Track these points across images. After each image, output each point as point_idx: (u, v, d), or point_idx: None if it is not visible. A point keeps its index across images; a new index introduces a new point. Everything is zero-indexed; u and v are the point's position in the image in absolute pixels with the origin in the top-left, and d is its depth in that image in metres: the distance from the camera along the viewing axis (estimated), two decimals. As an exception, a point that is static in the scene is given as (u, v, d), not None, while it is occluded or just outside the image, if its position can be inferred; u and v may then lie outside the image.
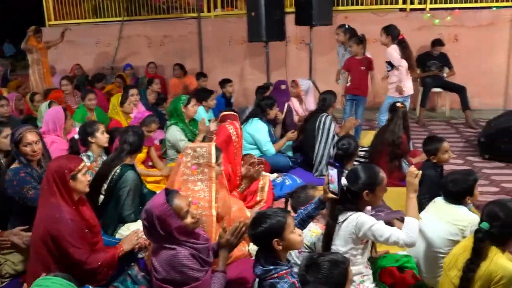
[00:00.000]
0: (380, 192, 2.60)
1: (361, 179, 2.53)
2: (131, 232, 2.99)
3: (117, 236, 3.24)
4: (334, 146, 4.53)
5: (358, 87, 5.92)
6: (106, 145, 3.98)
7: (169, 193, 2.40)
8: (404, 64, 5.45)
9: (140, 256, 2.90)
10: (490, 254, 2.32)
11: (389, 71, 5.62)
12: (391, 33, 5.43)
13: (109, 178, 3.34)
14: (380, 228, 2.46)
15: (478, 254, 2.32)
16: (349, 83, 5.99)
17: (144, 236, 2.77)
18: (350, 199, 2.54)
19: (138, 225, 3.17)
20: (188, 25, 8.60)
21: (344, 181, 2.52)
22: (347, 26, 6.23)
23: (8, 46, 16.42)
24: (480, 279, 2.31)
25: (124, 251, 2.82)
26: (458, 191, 2.86)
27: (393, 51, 5.42)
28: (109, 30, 9.00)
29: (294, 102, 6.06)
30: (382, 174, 2.60)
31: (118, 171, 3.34)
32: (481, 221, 2.38)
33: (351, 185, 2.52)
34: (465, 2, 7.88)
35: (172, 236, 2.34)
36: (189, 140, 4.72)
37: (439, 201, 2.95)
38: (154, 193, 3.91)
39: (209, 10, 8.62)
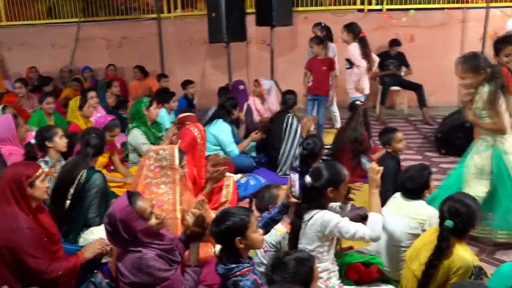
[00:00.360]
0: (343, 189, 2.65)
1: (325, 176, 2.56)
2: (95, 239, 2.91)
3: (81, 240, 3.16)
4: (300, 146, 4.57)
5: (319, 87, 6.01)
6: (65, 149, 3.86)
7: (131, 195, 2.37)
8: (363, 64, 5.55)
9: (104, 261, 2.83)
10: (455, 247, 2.41)
11: (348, 68, 5.69)
12: (352, 30, 5.53)
13: (76, 182, 3.25)
14: (346, 225, 2.50)
15: (441, 252, 2.39)
16: (310, 83, 6.06)
17: (107, 243, 2.71)
18: (314, 197, 2.57)
19: (102, 229, 3.11)
20: (148, 26, 8.47)
21: (308, 179, 2.55)
22: (323, 24, 6.26)
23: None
24: (440, 270, 2.39)
25: (86, 259, 2.74)
26: (415, 187, 2.95)
27: (354, 49, 5.51)
28: (65, 32, 8.73)
29: (256, 102, 6.08)
30: (345, 171, 2.65)
31: (84, 174, 3.27)
32: (442, 218, 2.46)
33: (315, 183, 2.55)
34: (419, 3, 8.12)
35: (136, 238, 2.31)
36: (152, 143, 4.64)
37: (398, 197, 3.02)
38: (113, 193, 3.86)
39: (169, 11, 8.52)
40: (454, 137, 5.65)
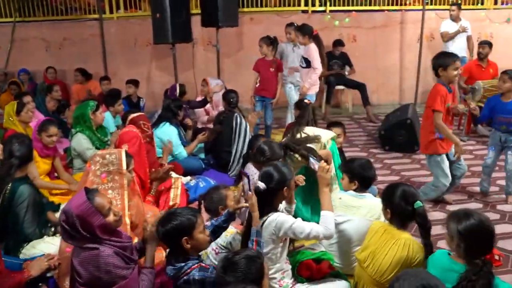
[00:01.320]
0: (293, 185, 2.71)
1: (276, 177, 2.58)
2: (42, 256, 2.74)
3: (21, 256, 2.99)
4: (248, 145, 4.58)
5: (266, 89, 6.06)
6: (1, 157, 3.65)
7: (89, 191, 2.32)
8: (320, 67, 5.60)
9: (49, 275, 2.70)
10: (403, 240, 2.47)
11: (303, 67, 5.69)
12: (306, 31, 5.54)
13: (1, 197, 3.03)
14: (300, 226, 2.53)
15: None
16: (258, 84, 6.10)
17: (55, 259, 2.61)
18: (268, 201, 2.58)
19: (44, 244, 2.98)
20: (90, 27, 8.19)
21: (261, 184, 2.55)
22: (295, 24, 6.26)
23: None
24: (402, 264, 2.45)
25: (32, 277, 2.59)
26: (367, 175, 3.05)
27: (314, 51, 5.51)
28: (-1, 32, 8.28)
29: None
30: (290, 168, 2.70)
31: (9, 187, 3.04)
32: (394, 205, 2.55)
33: (269, 185, 2.56)
34: (361, 5, 8.39)
35: (94, 235, 2.25)
36: (97, 148, 4.48)
37: (345, 197, 3.05)
38: (52, 203, 3.69)
39: (111, 11, 8.28)
40: (397, 134, 5.89)
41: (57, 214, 3.51)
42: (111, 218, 2.32)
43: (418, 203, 2.48)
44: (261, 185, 2.55)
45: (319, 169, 2.71)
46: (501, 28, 8.43)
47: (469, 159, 5.56)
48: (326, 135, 3.75)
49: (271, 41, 6.02)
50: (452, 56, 3.88)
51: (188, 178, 4.54)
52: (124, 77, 7.36)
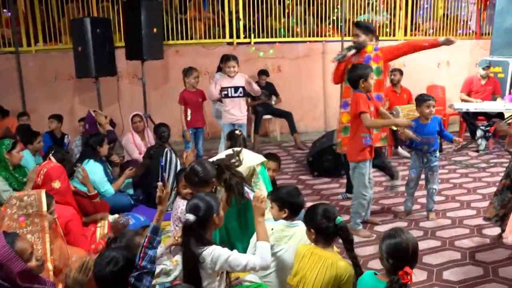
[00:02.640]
0: (222, 211, 2.68)
1: (204, 206, 2.55)
2: None
3: None
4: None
5: (198, 119, 6.10)
6: None
7: (8, 235, 2.16)
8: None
9: None
10: (330, 259, 2.52)
11: (239, 96, 5.87)
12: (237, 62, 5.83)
13: None
14: (236, 258, 2.51)
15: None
16: (189, 117, 6.09)
17: None
18: (201, 231, 2.54)
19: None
20: (5, 60, 7.75)
21: (190, 216, 2.50)
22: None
23: None
24: (333, 285, 2.48)
25: None
26: (296, 202, 3.06)
27: (253, 82, 5.85)
28: None
29: (136, 137, 5.91)
30: (216, 196, 2.71)
31: None
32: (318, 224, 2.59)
33: (198, 215, 2.52)
34: (284, 37, 8.70)
35: (14, 284, 2.07)
36: (15, 189, 4.18)
37: (276, 227, 3.02)
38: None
39: (29, 45, 7.92)
40: (324, 159, 6.08)
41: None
42: (33, 263, 2.18)
43: (339, 219, 2.55)
44: (191, 216, 2.50)
45: (254, 198, 2.71)
46: (411, 56, 9.08)
47: (392, 180, 5.84)
48: (256, 159, 3.77)
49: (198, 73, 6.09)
50: (369, 67, 4.27)
51: (116, 216, 4.36)
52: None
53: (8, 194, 4.02)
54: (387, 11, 9.37)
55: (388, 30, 9.25)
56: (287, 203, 3.04)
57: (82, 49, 6.18)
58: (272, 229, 2.99)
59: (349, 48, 4.79)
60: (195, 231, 2.50)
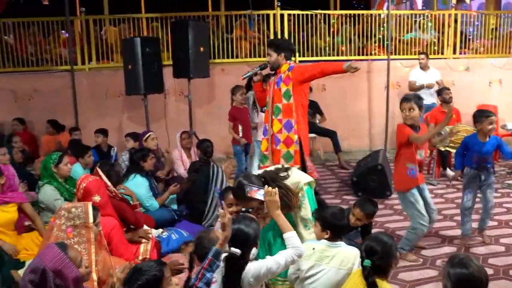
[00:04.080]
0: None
1: (251, 237, 2.52)
2: None
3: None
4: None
5: (247, 136, 6.23)
6: None
7: (58, 244, 2.23)
8: None
9: None
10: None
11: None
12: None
13: None
14: (273, 261, 2.52)
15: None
16: (241, 134, 6.16)
17: None
18: (242, 263, 2.51)
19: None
20: (60, 78, 8.17)
21: (236, 250, 2.47)
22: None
23: None
24: None
25: None
26: (340, 225, 2.99)
27: None
28: (-34, 84, 8.16)
29: (183, 154, 6.02)
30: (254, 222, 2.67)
31: None
32: (362, 258, 2.52)
33: (243, 249, 2.49)
34: (329, 55, 8.68)
35: None
36: (66, 199, 4.35)
37: (318, 247, 2.97)
38: (17, 261, 3.51)
39: (83, 63, 8.31)
40: (368, 180, 5.94)
41: (22, 271, 3.35)
42: (83, 270, 2.25)
43: (367, 261, 2.47)
44: (237, 251, 2.48)
45: (265, 194, 2.72)
46: (461, 75, 8.84)
47: (440, 203, 5.63)
48: (304, 178, 3.72)
49: (245, 90, 6.16)
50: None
51: (160, 230, 4.43)
52: (95, 128, 7.29)
53: (60, 203, 4.18)
54: (435, 29, 9.17)
55: (436, 48, 9.03)
56: (331, 224, 2.98)
57: (132, 67, 6.41)
58: (314, 248, 2.94)
59: (260, 67, 4.63)
60: (239, 262, 2.50)
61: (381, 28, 8.89)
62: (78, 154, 5.52)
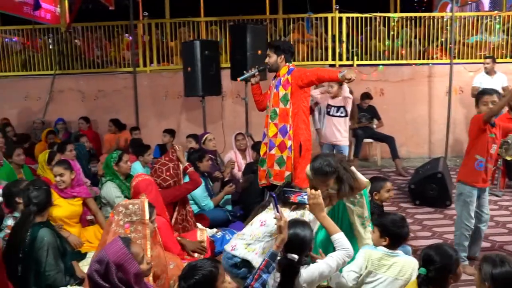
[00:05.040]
0: None
1: (305, 245, 2.54)
2: None
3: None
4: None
5: None
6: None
7: (122, 239, 2.30)
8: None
9: None
10: None
11: (341, 116, 5.77)
12: (339, 82, 5.62)
13: (23, 243, 3.06)
14: (325, 264, 2.53)
15: None
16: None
17: None
18: (298, 268, 2.53)
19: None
20: (123, 79, 8.53)
21: (294, 256, 2.49)
22: None
23: None
24: None
25: None
26: (399, 233, 2.88)
27: (352, 101, 5.67)
28: (39, 84, 8.71)
29: (238, 156, 6.09)
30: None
31: (29, 234, 3.08)
32: (420, 266, 2.45)
33: (301, 255, 2.51)
34: (388, 59, 8.47)
35: (127, 285, 2.18)
36: (126, 197, 4.52)
37: (375, 254, 2.89)
38: (79, 252, 3.68)
39: (144, 65, 8.63)
40: (427, 188, 5.73)
41: (82, 263, 3.52)
42: (144, 266, 2.30)
43: (422, 269, 2.40)
44: (295, 257, 2.50)
45: (309, 198, 2.69)
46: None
47: (505, 215, 5.34)
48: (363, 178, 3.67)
49: None
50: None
51: (214, 230, 4.50)
52: (154, 128, 7.56)
53: (120, 200, 4.36)
54: (503, 31, 8.70)
55: (504, 51, 8.56)
56: (390, 231, 2.88)
57: (191, 69, 6.57)
58: (371, 256, 2.86)
59: (258, 69, 4.45)
60: (294, 267, 2.50)
61: (444, 31, 8.56)
62: (138, 152, 5.72)
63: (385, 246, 2.89)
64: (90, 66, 8.77)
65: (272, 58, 4.34)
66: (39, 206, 3.22)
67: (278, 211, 2.47)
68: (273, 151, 4.33)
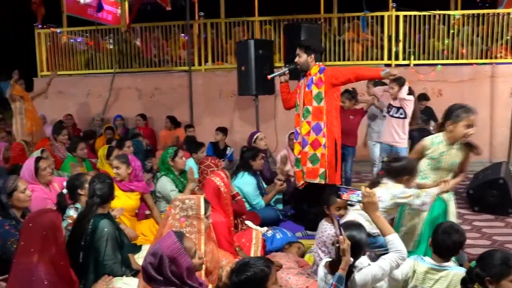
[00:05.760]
0: None
1: (362, 241, 2.52)
2: None
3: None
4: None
5: (346, 137, 5.98)
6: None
7: (176, 233, 2.36)
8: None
9: None
10: None
11: (400, 118, 5.54)
12: (400, 83, 5.37)
13: (85, 233, 3.21)
14: (378, 267, 2.48)
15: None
16: None
17: None
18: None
19: (122, 282, 3.06)
20: (179, 78, 8.76)
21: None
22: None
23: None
24: None
25: None
26: (448, 247, 2.70)
27: (413, 102, 5.42)
28: (100, 82, 9.12)
29: (291, 154, 6.09)
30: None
31: (91, 224, 3.22)
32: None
33: (356, 258, 2.49)
34: (447, 59, 8.17)
35: (179, 278, 2.24)
36: (180, 191, 4.64)
37: (421, 267, 2.73)
38: (134, 245, 3.81)
39: (199, 64, 8.81)
40: (488, 194, 5.48)
41: (137, 255, 3.64)
42: (196, 261, 2.34)
43: None
44: (350, 260, 2.46)
45: (363, 196, 2.59)
46: None
47: None
48: None
49: (352, 95, 5.99)
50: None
51: (265, 228, 4.51)
52: (207, 126, 7.69)
53: (174, 194, 4.49)
54: None
55: None
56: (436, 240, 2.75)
57: (245, 68, 6.62)
58: (424, 259, 2.76)
59: (288, 68, 4.45)
60: (349, 270, 2.45)
61: (510, 29, 8.14)
62: (192, 149, 5.84)
63: (432, 258, 2.74)
64: (148, 65, 9.07)
65: (302, 58, 4.44)
66: (102, 198, 3.37)
67: (341, 233, 2.44)
68: (306, 149, 4.45)
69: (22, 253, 2.60)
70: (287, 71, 4.59)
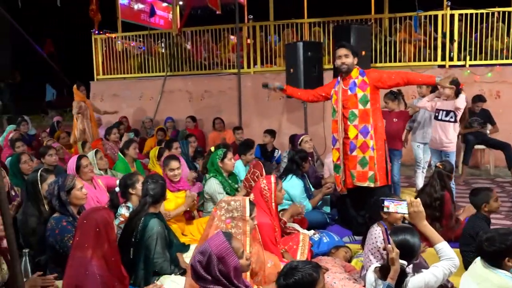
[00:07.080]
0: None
1: (416, 245, 2.52)
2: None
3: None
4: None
5: (391, 140, 5.83)
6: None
7: (225, 234, 2.40)
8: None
9: None
10: None
11: (451, 121, 5.32)
12: (455, 84, 5.20)
13: (135, 231, 3.35)
14: (431, 275, 2.46)
15: None
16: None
17: None
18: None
19: (170, 280, 3.13)
20: (228, 80, 8.87)
21: (404, 262, 2.45)
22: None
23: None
24: None
25: None
26: (495, 251, 2.54)
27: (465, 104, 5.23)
28: (152, 85, 9.40)
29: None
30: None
31: (141, 222, 3.36)
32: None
33: (410, 262, 2.48)
34: (506, 58, 7.78)
35: (227, 278, 2.27)
36: (227, 194, 4.69)
37: (478, 263, 2.65)
38: (183, 244, 3.89)
39: (248, 67, 8.88)
40: None
41: (185, 255, 3.72)
42: (243, 261, 2.36)
43: None
44: (404, 263, 2.44)
45: (409, 206, 2.60)
46: None
47: None
48: None
49: (395, 96, 5.82)
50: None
51: (312, 232, 4.48)
52: (256, 128, 7.74)
53: (221, 197, 4.54)
54: None
55: None
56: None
57: (293, 70, 6.62)
58: (476, 262, 2.65)
59: (279, 87, 4.85)
60: (402, 274, 2.44)
61: None
62: (241, 151, 5.89)
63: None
64: (198, 68, 9.25)
65: (350, 59, 4.46)
66: (154, 198, 3.50)
67: (389, 243, 2.40)
68: (354, 153, 4.48)
69: (77, 247, 2.73)
70: (278, 89, 4.96)
